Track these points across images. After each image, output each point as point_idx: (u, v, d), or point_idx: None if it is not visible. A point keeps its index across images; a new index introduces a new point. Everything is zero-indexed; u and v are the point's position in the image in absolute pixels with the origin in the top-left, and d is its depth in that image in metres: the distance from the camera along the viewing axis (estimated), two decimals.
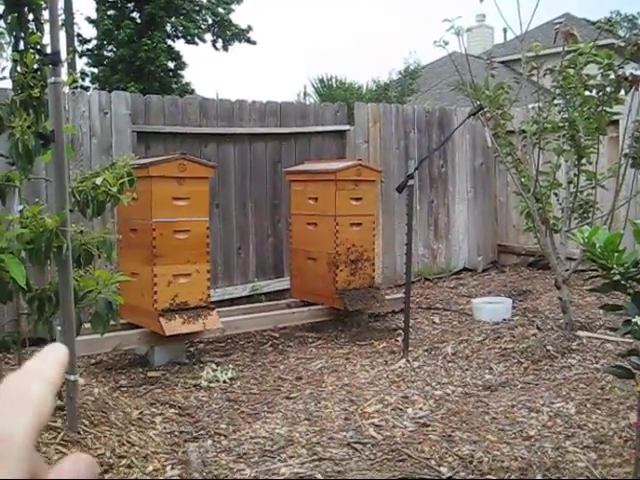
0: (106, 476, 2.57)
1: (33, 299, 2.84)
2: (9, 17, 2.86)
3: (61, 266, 2.74)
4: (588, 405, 3.33)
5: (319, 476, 2.71)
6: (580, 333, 4.34)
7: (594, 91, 4.33)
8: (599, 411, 3.24)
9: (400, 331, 4.65)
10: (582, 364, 3.91)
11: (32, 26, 2.87)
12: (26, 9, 2.86)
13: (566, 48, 4.36)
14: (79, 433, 2.76)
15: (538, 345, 4.19)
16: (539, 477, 2.61)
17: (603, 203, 4.95)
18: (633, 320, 2.10)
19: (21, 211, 2.83)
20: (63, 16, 16.54)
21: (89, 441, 2.74)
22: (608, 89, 4.25)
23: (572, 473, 2.62)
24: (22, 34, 2.84)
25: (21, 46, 2.85)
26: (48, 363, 0.37)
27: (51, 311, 2.85)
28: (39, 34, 2.83)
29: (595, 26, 4.45)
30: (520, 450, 2.86)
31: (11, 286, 2.69)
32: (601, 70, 4.24)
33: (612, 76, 4.21)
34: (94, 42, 17.39)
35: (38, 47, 2.79)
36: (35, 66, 2.74)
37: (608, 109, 4.31)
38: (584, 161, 4.48)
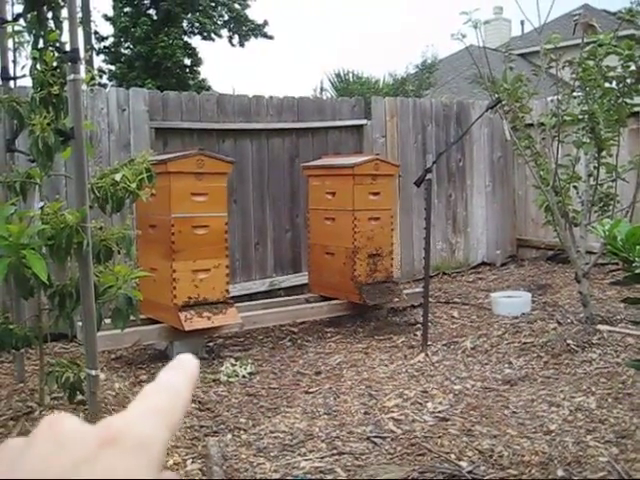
0: None
1: (54, 295, 2.87)
2: (29, 16, 2.88)
3: (81, 262, 2.76)
4: (609, 399, 3.30)
5: (339, 470, 2.72)
6: (601, 327, 4.31)
7: (614, 83, 4.28)
8: (620, 405, 3.22)
9: (419, 325, 4.64)
10: (603, 358, 3.88)
11: (51, 24, 2.90)
12: (45, 7, 2.89)
13: (585, 39, 4.31)
14: None
15: (558, 339, 4.17)
16: (560, 472, 2.59)
17: (624, 196, 4.90)
18: None
19: (42, 208, 2.86)
20: (80, 14, 16.65)
21: None
22: (628, 80, 4.20)
23: (593, 468, 2.61)
24: (41, 32, 2.87)
25: (40, 44, 2.88)
26: (180, 378, 0.38)
27: (72, 307, 2.88)
28: (58, 32, 2.85)
29: (615, 17, 4.40)
30: (541, 444, 2.84)
31: (32, 282, 2.72)
32: (621, 61, 4.19)
33: (632, 67, 4.16)
34: (111, 39, 17.48)
35: (57, 45, 2.82)
36: (54, 64, 2.76)
37: (628, 101, 4.26)
38: (604, 153, 4.43)
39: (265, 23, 18.33)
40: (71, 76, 2.71)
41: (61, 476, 0.30)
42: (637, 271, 2.10)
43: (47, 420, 0.34)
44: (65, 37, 2.79)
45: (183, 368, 0.39)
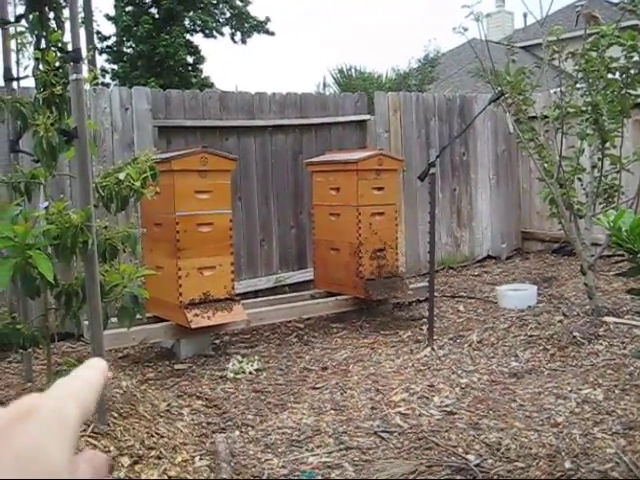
0: (136, 467, 2.60)
1: (60, 294, 2.88)
2: (31, 16, 2.89)
3: (87, 261, 2.77)
4: (616, 391, 3.30)
5: (347, 465, 2.73)
6: (607, 319, 4.30)
7: (617, 74, 4.27)
8: (627, 397, 3.22)
9: (425, 320, 4.65)
10: (609, 350, 3.88)
11: (53, 25, 2.91)
12: (47, 8, 2.89)
13: (588, 31, 4.30)
14: (108, 425, 2.80)
15: (564, 331, 4.16)
16: (567, 463, 2.59)
17: (628, 187, 4.89)
18: None
19: (46, 207, 2.87)
20: (82, 14, 16.67)
21: (118, 433, 2.78)
22: (632, 71, 4.19)
23: (601, 459, 2.61)
24: (43, 33, 2.87)
25: (43, 45, 2.88)
26: (89, 372, 0.45)
27: (78, 306, 2.89)
28: (60, 32, 2.85)
29: (618, 7, 4.38)
30: (548, 437, 2.84)
31: (39, 282, 2.73)
32: (624, 52, 4.18)
33: (636, 58, 4.15)
34: (113, 39, 17.51)
35: (59, 45, 2.82)
36: (57, 64, 2.77)
37: (632, 92, 4.25)
38: (608, 145, 4.42)
39: (267, 20, 18.34)
40: (73, 76, 2.71)
41: None
42: None
43: None
44: (67, 37, 2.79)
45: (94, 366, 0.46)
